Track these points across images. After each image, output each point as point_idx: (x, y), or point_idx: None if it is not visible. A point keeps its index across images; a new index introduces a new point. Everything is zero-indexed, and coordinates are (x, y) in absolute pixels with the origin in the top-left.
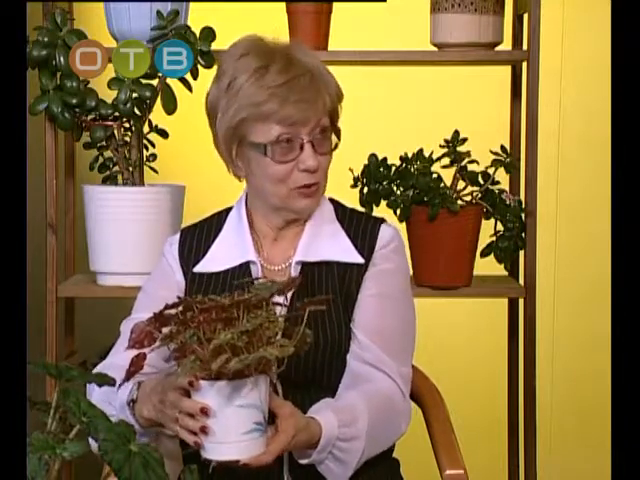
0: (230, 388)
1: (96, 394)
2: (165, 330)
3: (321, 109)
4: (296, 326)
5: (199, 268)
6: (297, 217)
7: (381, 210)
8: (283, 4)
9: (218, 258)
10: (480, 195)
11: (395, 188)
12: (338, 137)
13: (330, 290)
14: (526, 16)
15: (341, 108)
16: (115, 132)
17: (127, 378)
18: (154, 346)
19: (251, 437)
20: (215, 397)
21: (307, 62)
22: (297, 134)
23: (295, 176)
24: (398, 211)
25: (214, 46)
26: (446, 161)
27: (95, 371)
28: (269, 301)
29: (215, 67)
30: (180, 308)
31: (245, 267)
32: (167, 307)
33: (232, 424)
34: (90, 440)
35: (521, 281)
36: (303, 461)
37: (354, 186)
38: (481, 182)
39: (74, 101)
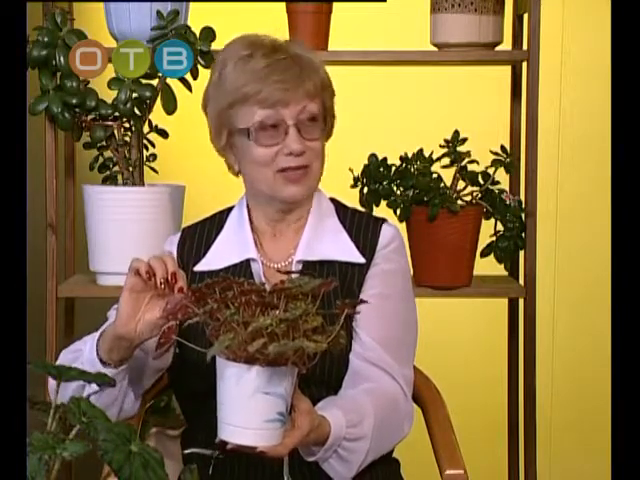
0: (264, 374)
1: (63, 354)
2: (201, 305)
3: (303, 92)
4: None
5: (199, 267)
6: (289, 207)
7: (381, 210)
8: (283, 4)
9: (219, 256)
10: (480, 195)
11: (395, 188)
12: (331, 125)
13: (331, 289)
14: (526, 16)
15: (331, 102)
16: (115, 132)
17: (156, 349)
18: (191, 320)
19: (272, 426)
20: (247, 381)
21: (294, 51)
22: (281, 118)
23: (279, 159)
24: (398, 211)
25: (214, 46)
26: (446, 161)
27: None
28: (311, 294)
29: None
30: (219, 286)
31: (245, 265)
32: (207, 284)
33: (257, 410)
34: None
35: (521, 281)
36: (308, 458)
37: (354, 186)
38: (481, 182)
39: (74, 101)
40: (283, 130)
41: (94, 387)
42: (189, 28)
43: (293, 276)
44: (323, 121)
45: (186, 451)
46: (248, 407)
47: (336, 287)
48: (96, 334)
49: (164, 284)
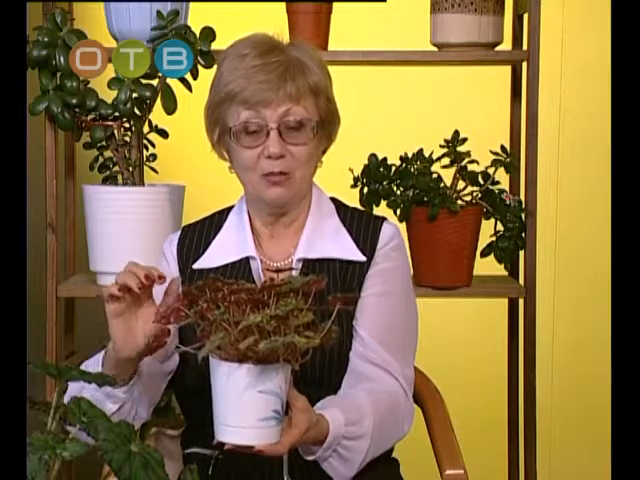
0: (256, 371)
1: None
2: (192, 307)
3: (284, 94)
4: (317, 319)
5: (198, 264)
6: (278, 210)
7: (381, 210)
8: (283, 4)
9: (218, 254)
10: (480, 195)
11: (395, 188)
12: (332, 130)
13: (331, 287)
14: (526, 16)
15: (328, 106)
16: (115, 132)
17: (149, 353)
18: (182, 322)
19: (268, 425)
20: (239, 379)
21: (290, 53)
22: (263, 120)
23: (261, 163)
24: (398, 211)
25: (214, 46)
26: (446, 161)
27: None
28: (301, 291)
29: (215, 67)
30: (209, 287)
31: (245, 262)
32: (197, 285)
33: (251, 409)
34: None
35: (521, 281)
36: (308, 457)
37: (354, 186)
38: (481, 182)
39: (74, 101)
40: (265, 132)
41: (110, 407)
42: (189, 28)
43: (293, 273)
44: (318, 126)
45: (186, 451)
46: (242, 406)
47: (335, 285)
48: (98, 358)
49: (143, 289)
